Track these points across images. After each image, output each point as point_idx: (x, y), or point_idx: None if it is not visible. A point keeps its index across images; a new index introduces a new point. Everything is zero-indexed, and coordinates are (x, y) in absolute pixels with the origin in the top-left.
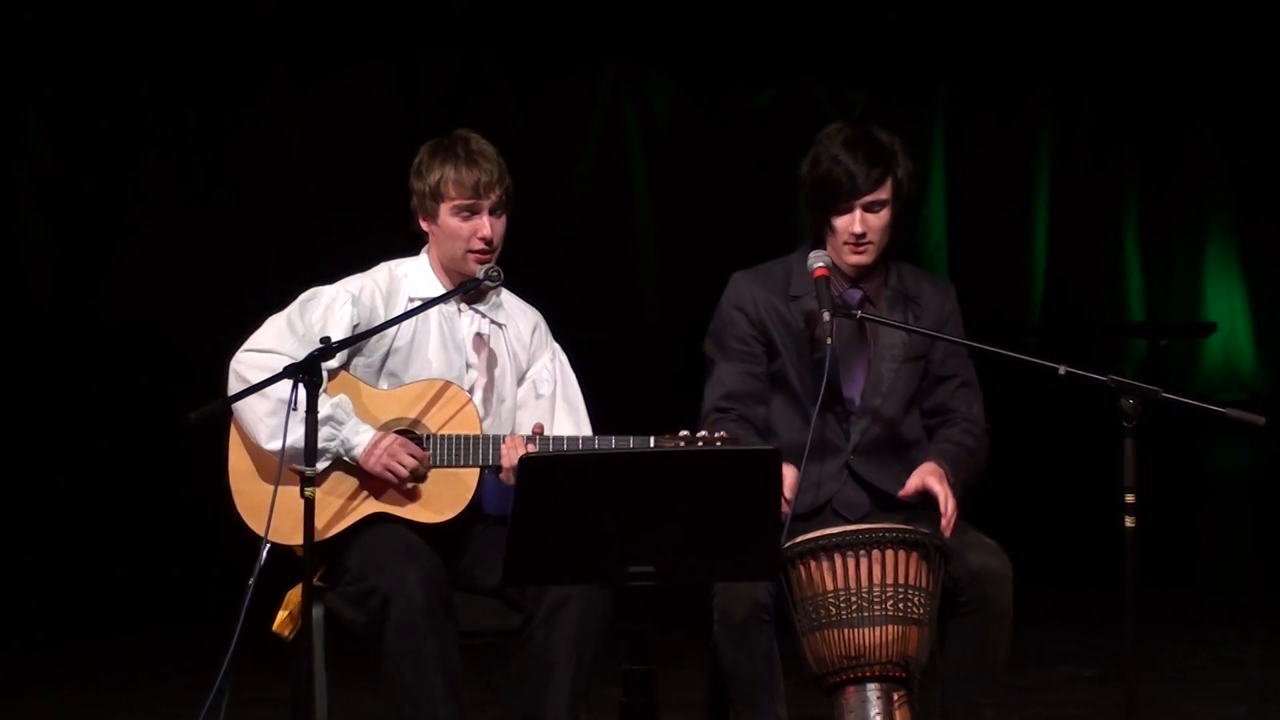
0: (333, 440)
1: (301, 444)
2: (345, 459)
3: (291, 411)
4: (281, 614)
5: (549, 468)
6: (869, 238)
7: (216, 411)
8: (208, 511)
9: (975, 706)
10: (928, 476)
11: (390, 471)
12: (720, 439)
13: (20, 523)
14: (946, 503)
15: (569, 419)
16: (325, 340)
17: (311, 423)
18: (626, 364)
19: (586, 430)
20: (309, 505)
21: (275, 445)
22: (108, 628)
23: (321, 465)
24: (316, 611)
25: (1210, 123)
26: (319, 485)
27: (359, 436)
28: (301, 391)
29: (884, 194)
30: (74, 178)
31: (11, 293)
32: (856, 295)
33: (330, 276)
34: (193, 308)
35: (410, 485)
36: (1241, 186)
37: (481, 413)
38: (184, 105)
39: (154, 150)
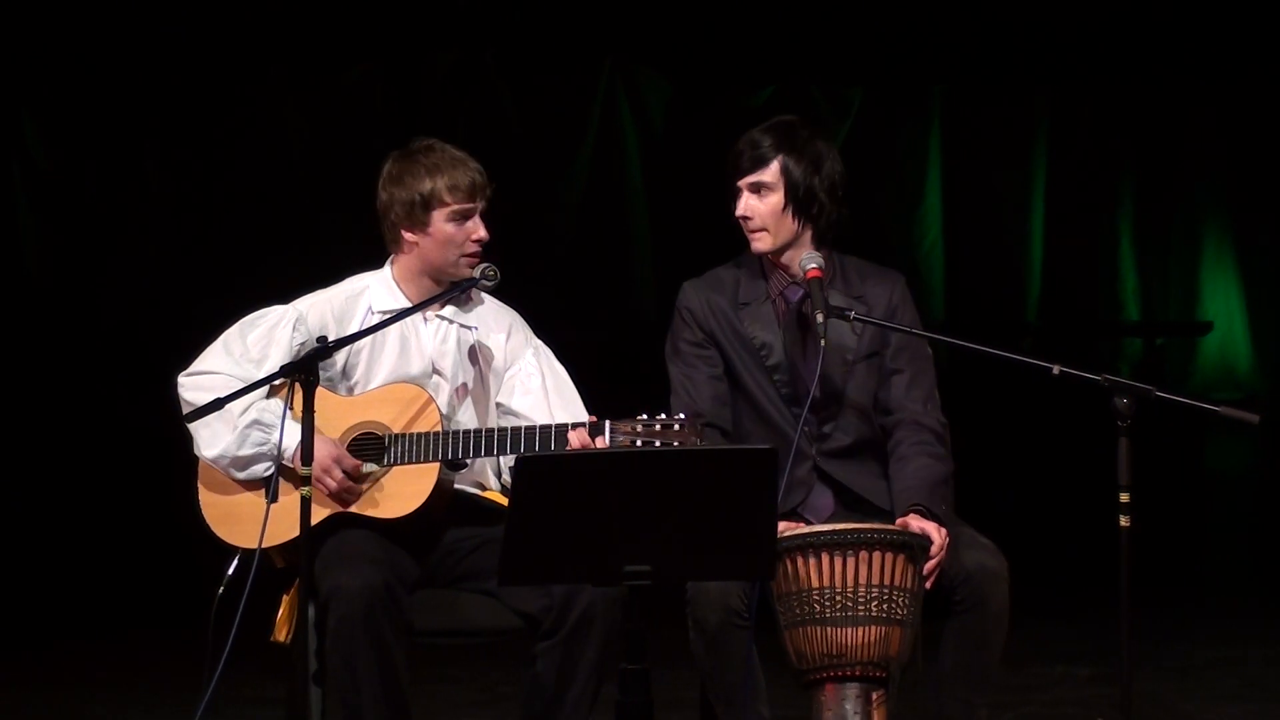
0: (264, 445)
1: (234, 452)
2: (285, 462)
3: (288, 411)
4: (279, 620)
5: (546, 468)
6: (756, 222)
7: (210, 412)
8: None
9: (970, 706)
10: (911, 523)
11: (320, 483)
12: (680, 421)
13: (16, 522)
14: (940, 545)
15: (565, 413)
16: (322, 340)
17: (308, 423)
18: (623, 362)
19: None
20: (305, 504)
21: (211, 454)
22: (103, 628)
23: (261, 469)
24: (310, 611)
25: (1207, 122)
26: (281, 492)
27: (289, 439)
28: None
29: (766, 176)
30: (71, 176)
31: (8, 290)
32: (797, 293)
33: (328, 274)
34: (190, 306)
35: (348, 491)
36: (1238, 186)
37: (448, 415)
38: (181, 103)
39: (151, 148)
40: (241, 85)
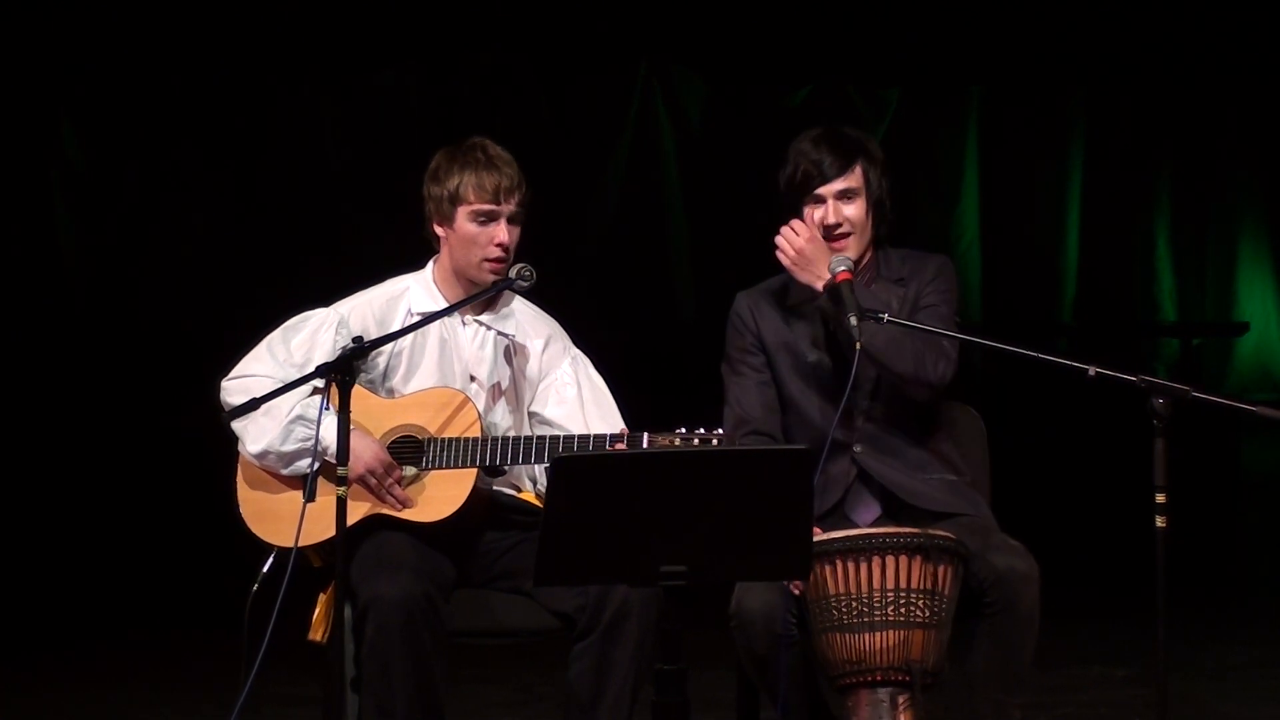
0: (308, 440)
1: (278, 448)
2: (328, 458)
3: (326, 407)
4: (315, 619)
5: (582, 468)
6: (844, 228)
7: (247, 412)
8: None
9: (1002, 707)
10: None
11: (365, 483)
12: (718, 437)
13: (51, 522)
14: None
15: (602, 423)
16: (358, 340)
17: (344, 423)
18: (660, 363)
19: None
20: (340, 505)
21: (256, 449)
22: (141, 627)
23: (305, 465)
24: (348, 613)
25: (1243, 121)
26: (319, 492)
27: (331, 435)
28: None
29: (853, 181)
30: (108, 179)
31: (46, 292)
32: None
33: (364, 274)
34: (225, 306)
35: (390, 498)
36: (1274, 185)
37: (485, 421)
38: (217, 104)
39: (187, 149)
40: (278, 86)
